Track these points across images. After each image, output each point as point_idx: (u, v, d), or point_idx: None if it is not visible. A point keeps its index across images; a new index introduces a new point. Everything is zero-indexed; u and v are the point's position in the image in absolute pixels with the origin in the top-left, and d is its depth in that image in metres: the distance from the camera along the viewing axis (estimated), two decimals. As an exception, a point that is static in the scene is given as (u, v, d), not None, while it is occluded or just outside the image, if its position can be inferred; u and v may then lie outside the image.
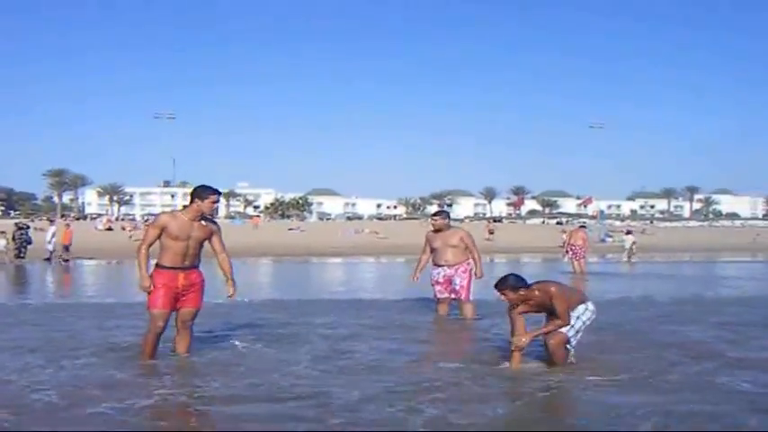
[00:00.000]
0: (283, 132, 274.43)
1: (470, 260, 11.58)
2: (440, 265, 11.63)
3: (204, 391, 6.75)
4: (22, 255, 33.52)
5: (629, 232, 41.61)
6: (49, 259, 33.39)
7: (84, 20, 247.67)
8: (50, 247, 34.19)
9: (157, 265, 7.98)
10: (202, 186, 8.12)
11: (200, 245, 8.15)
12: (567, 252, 25.62)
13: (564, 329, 7.59)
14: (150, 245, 7.96)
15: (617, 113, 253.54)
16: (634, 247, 37.23)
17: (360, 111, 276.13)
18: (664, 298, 15.97)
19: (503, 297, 7.80)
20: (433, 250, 11.76)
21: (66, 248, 34.46)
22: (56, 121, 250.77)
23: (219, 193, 8.21)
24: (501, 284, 7.73)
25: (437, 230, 11.80)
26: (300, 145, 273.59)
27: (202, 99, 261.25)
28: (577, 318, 7.76)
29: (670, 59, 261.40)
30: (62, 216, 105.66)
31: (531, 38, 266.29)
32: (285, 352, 8.64)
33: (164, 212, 8.28)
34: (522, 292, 7.67)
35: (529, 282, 7.84)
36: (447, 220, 11.99)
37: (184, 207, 8.24)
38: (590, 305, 8.00)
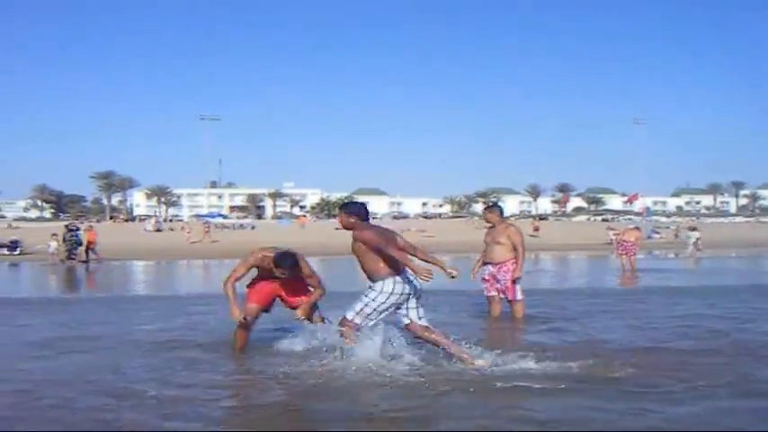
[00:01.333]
0: (329, 132, 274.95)
1: (516, 258, 11.06)
2: (487, 263, 11.33)
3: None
4: (72, 256, 33.91)
5: (693, 228, 40.96)
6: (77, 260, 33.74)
7: (130, 22, 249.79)
8: (50, 249, 34.43)
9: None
10: (285, 255, 8.11)
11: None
12: (617, 249, 25.23)
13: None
14: (238, 280, 8.12)
15: (660, 108, 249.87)
16: (699, 242, 36.75)
17: (405, 110, 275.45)
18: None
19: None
20: (485, 245, 11.45)
21: (92, 249, 34.86)
22: (104, 123, 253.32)
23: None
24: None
25: (491, 226, 11.44)
26: (346, 145, 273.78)
27: (248, 100, 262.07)
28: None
29: (713, 52, 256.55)
30: (111, 218, 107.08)
31: (574, 32, 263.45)
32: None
33: (258, 252, 8.28)
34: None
35: None
36: (498, 216, 11.54)
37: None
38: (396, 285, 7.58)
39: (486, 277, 11.29)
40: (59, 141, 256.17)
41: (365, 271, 7.80)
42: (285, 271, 7.94)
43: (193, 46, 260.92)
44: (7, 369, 7.79)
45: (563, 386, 6.66)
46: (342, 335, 7.52)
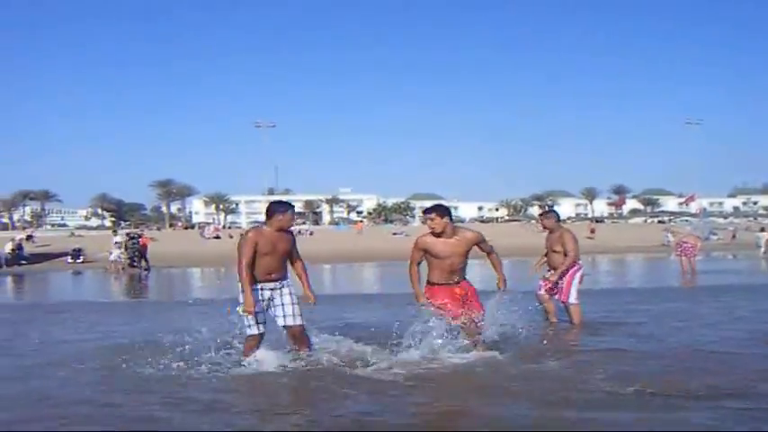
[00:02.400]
0: (385, 138, 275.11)
1: (576, 263, 11.11)
2: (550, 267, 11.37)
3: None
4: (135, 263, 34.52)
5: (762, 229, 40.54)
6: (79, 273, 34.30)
7: (186, 28, 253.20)
8: (111, 257, 35.02)
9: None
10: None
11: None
12: (676, 250, 24.97)
13: None
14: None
15: (716, 108, 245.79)
16: None
17: (461, 114, 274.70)
18: None
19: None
20: (546, 250, 11.55)
21: (143, 257, 35.32)
22: (162, 132, 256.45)
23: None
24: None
25: (550, 231, 11.47)
26: (402, 150, 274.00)
27: (304, 106, 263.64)
28: None
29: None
30: (170, 225, 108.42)
31: (627, 32, 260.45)
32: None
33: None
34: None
35: None
36: (554, 221, 11.56)
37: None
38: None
39: (547, 276, 11.35)
40: (119, 151, 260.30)
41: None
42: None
43: (251, 52, 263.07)
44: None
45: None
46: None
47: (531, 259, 12.45)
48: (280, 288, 8.10)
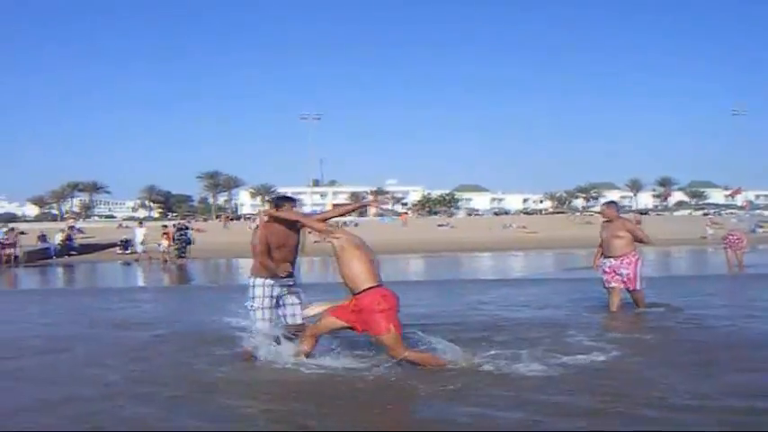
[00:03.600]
0: (430, 129, 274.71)
1: (636, 251, 11.60)
2: (607, 256, 11.75)
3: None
4: (183, 255, 34.92)
5: None
6: (137, 260, 34.62)
7: (233, 20, 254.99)
8: (140, 248, 35.42)
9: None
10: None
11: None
12: (723, 242, 24.71)
13: None
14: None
15: (761, 98, 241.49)
16: None
17: (504, 106, 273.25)
18: None
19: None
20: (602, 240, 11.90)
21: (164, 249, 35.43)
22: (209, 124, 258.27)
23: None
24: None
25: (608, 221, 11.94)
26: (447, 141, 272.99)
27: (349, 97, 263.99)
28: None
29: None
30: (216, 217, 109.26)
31: (672, 21, 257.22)
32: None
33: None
34: None
35: None
36: (615, 211, 12.13)
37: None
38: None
39: (607, 269, 11.66)
40: (167, 143, 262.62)
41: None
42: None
43: (296, 44, 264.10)
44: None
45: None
46: None
47: (577, 250, 12.76)
48: (288, 286, 8.24)
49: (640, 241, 11.69)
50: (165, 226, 38.85)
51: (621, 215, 12.39)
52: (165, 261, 33.63)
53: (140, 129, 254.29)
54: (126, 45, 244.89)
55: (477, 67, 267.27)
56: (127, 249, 41.06)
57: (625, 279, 11.51)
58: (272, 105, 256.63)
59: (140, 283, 25.05)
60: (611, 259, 11.62)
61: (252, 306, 8.05)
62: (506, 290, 16.29)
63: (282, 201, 8.34)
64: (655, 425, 5.42)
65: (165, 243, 34.97)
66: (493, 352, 7.83)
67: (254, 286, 8.05)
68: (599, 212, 12.43)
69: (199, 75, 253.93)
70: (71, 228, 41.88)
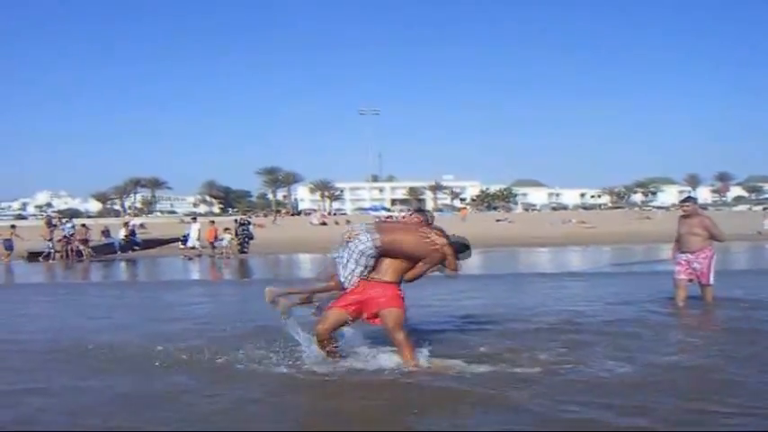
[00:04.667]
0: (487, 124, 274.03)
1: (711, 247, 11.82)
2: (683, 251, 11.99)
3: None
4: (245, 250, 35.17)
5: None
6: (199, 255, 34.86)
7: (292, 16, 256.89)
8: (197, 244, 35.64)
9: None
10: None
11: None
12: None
13: None
14: None
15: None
16: None
17: (561, 100, 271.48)
18: None
19: None
20: (679, 235, 12.11)
21: (213, 245, 35.79)
22: (268, 120, 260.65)
23: None
24: None
25: (686, 216, 12.11)
26: (504, 136, 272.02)
27: (407, 93, 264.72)
28: None
29: None
30: (276, 212, 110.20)
31: (725, 16, 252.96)
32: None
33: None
34: None
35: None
36: (695, 207, 12.32)
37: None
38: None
39: (682, 262, 11.94)
40: (227, 139, 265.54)
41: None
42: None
43: (356, 41, 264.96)
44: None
45: None
46: None
47: (635, 246, 12.97)
48: None
49: (716, 239, 11.84)
50: (213, 222, 39.16)
51: (701, 212, 12.65)
52: (228, 257, 33.90)
53: (201, 125, 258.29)
54: (187, 41, 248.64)
55: (532, 60, 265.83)
56: (187, 244, 41.39)
57: (698, 273, 11.75)
58: (330, 101, 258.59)
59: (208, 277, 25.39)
60: (687, 254, 11.85)
61: None
62: (575, 284, 16.38)
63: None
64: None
65: (227, 237, 35.29)
66: (565, 349, 7.90)
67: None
68: (680, 208, 12.46)
69: (259, 71, 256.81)
70: (126, 224, 42.29)
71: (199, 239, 36.16)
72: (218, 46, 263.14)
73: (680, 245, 12.07)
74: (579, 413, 5.74)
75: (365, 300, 7.51)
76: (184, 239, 40.28)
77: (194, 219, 43.36)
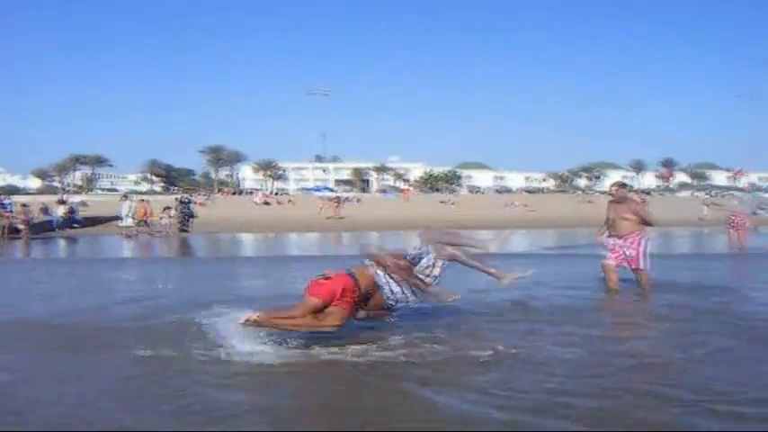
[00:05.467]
0: (433, 106, 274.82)
1: (642, 231, 11.67)
2: (611, 235, 11.89)
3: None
4: (186, 228, 34.91)
5: None
6: (136, 234, 34.35)
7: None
8: (129, 222, 35.22)
9: None
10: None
11: None
12: (727, 224, 24.65)
13: None
14: None
15: (765, 82, 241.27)
16: None
17: (507, 84, 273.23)
18: None
19: None
20: (609, 220, 12.00)
21: (146, 223, 35.44)
22: (212, 98, 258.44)
23: None
24: None
25: (615, 201, 12.00)
26: (449, 118, 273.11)
27: (353, 74, 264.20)
28: None
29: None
30: (219, 191, 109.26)
31: (676, 4, 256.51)
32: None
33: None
34: None
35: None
36: (623, 191, 12.21)
37: None
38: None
39: (611, 246, 11.81)
40: (169, 116, 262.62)
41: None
42: None
43: (303, 20, 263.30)
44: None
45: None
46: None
47: (578, 229, 12.84)
48: None
49: (647, 223, 11.74)
50: (143, 200, 38.75)
51: (631, 197, 12.58)
52: (168, 235, 33.62)
53: (143, 102, 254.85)
54: (129, 16, 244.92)
55: (479, 44, 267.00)
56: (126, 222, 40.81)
57: (630, 259, 11.62)
58: (275, 80, 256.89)
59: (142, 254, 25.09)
60: (616, 238, 11.76)
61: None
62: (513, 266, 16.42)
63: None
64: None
65: (168, 215, 34.99)
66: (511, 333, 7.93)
67: None
68: (609, 192, 12.36)
69: (202, 48, 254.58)
70: (62, 202, 41.69)
71: (133, 218, 35.48)
72: (162, 24, 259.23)
73: (609, 229, 11.99)
74: (530, 397, 5.69)
75: None
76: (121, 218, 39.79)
77: (125, 197, 42.89)
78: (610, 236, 11.93)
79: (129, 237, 33.19)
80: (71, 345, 7.60)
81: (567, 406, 5.35)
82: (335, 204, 53.76)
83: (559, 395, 5.61)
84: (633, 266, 11.63)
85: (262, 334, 7.13)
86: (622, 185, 12.39)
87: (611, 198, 12.23)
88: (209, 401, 5.53)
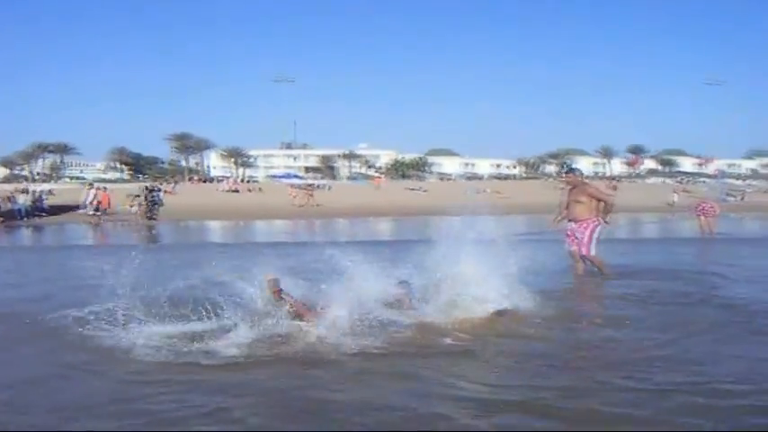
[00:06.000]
0: (402, 93, 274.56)
1: (596, 217, 11.68)
2: (569, 220, 11.96)
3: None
4: (153, 216, 34.63)
5: None
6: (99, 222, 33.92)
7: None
8: (90, 211, 34.76)
9: None
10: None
11: None
12: (695, 210, 24.76)
13: None
14: None
15: (735, 70, 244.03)
16: None
17: (476, 71, 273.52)
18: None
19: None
20: (563, 204, 12.10)
21: (100, 210, 34.85)
22: (181, 85, 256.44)
23: None
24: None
25: (571, 187, 12.04)
26: (419, 106, 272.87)
27: (322, 61, 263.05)
28: None
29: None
30: (189, 179, 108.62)
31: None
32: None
33: None
34: None
35: None
36: (578, 177, 12.30)
37: None
38: None
39: (568, 233, 11.93)
40: (137, 104, 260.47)
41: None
42: None
43: (267, 10, 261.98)
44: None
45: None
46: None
47: (549, 215, 12.74)
48: None
49: (603, 202, 11.73)
50: (105, 188, 38.43)
51: (585, 180, 12.62)
52: (135, 222, 33.33)
53: (112, 89, 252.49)
54: (95, 3, 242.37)
55: (447, 30, 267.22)
56: (97, 210, 40.21)
57: (579, 243, 11.72)
58: (244, 67, 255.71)
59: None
60: (572, 223, 11.86)
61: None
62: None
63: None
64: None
65: (136, 203, 34.69)
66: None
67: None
68: (563, 180, 12.42)
69: (170, 34, 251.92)
70: (24, 191, 41.18)
71: (95, 205, 34.90)
72: (127, 11, 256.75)
73: (566, 214, 12.06)
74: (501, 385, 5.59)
75: None
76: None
77: (90, 185, 42.29)
78: (569, 221, 11.99)
79: (95, 225, 32.80)
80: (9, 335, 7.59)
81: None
82: (309, 192, 53.24)
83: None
84: (582, 252, 11.70)
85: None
86: (574, 171, 12.67)
87: (563, 185, 12.51)
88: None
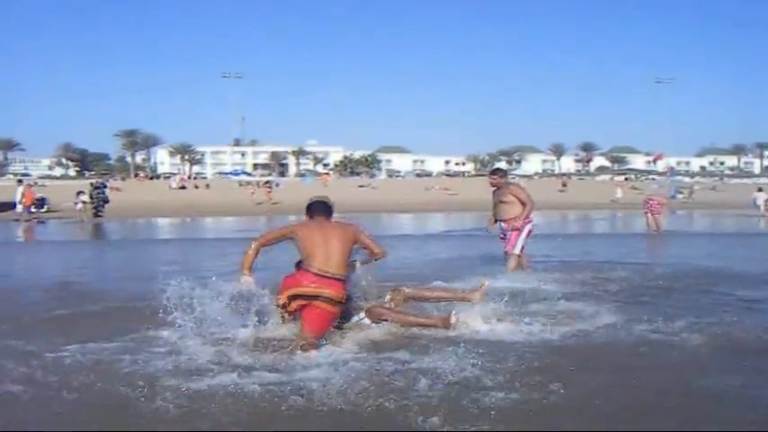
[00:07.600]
0: (351, 90, 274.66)
1: (524, 217, 11.73)
2: (496, 220, 12.06)
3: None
4: (100, 213, 34.22)
5: (760, 189, 40.92)
6: (28, 220, 33.29)
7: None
8: (18, 208, 34.06)
9: None
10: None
11: None
12: (644, 207, 25.12)
13: None
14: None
15: (686, 68, 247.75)
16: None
17: (428, 67, 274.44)
18: None
19: None
20: (493, 205, 12.15)
21: (29, 208, 34.20)
22: (128, 81, 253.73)
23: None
24: None
25: (496, 188, 12.11)
26: (368, 102, 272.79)
27: (271, 57, 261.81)
28: None
29: (740, 12, 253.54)
30: (135, 175, 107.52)
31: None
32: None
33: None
34: None
35: None
36: (502, 178, 12.29)
37: None
38: None
39: (501, 235, 11.99)
40: (84, 100, 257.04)
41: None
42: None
43: (214, 4, 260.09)
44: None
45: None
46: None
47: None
48: None
49: (523, 203, 11.75)
50: (30, 185, 37.84)
51: (509, 181, 12.69)
52: (82, 220, 32.94)
53: (58, 84, 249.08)
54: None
55: (398, 25, 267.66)
56: (41, 208, 39.30)
57: (507, 241, 11.80)
58: (192, 64, 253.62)
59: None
60: (501, 223, 11.95)
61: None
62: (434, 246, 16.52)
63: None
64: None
65: (81, 201, 34.22)
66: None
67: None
68: (490, 183, 12.40)
69: (118, 29, 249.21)
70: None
71: (21, 202, 33.95)
72: (78, 7, 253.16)
73: (494, 214, 12.12)
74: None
75: None
76: (39, 203, 38.59)
77: (20, 181, 41.55)
78: (497, 221, 12.07)
79: (26, 222, 32.23)
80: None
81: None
82: (268, 189, 53.24)
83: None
84: (507, 249, 11.78)
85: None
86: (496, 171, 12.71)
87: (491, 186, 12.31)
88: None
